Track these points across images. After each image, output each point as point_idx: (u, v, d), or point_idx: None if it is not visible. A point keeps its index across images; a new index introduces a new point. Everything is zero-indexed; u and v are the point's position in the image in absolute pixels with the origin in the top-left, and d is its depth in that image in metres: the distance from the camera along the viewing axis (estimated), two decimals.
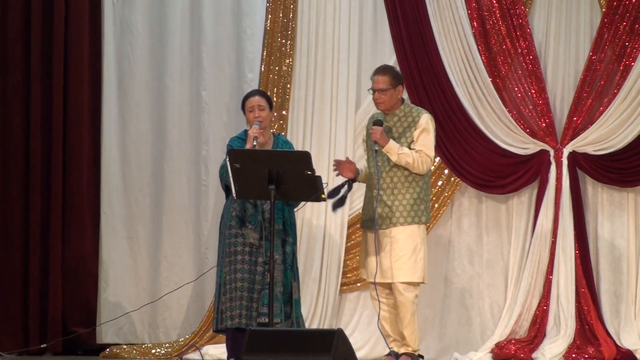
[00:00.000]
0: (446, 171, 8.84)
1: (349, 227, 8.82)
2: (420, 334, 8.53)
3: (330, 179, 8.67)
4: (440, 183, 8.84)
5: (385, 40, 8.93)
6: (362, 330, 8.78)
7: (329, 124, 8.88)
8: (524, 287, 8.65)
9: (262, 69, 8.91)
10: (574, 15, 8.77)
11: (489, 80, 8.72)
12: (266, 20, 8.93)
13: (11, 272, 8.91)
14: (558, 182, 8.68)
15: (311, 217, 8.79)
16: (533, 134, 8.73)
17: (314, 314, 8.72)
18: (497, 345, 8.52)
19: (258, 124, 7.39)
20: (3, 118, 8.98)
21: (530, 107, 8.73)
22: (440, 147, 8.70)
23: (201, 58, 9.08)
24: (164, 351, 8.80)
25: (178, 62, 9.12)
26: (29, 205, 8.92)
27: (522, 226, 8.80)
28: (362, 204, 7.88)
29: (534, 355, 8.44)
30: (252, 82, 8.97)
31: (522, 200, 8.84)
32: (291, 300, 7.38)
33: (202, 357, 8.44)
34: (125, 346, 8.90)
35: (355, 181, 7.69)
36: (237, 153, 7.14)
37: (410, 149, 7.57)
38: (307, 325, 8.37)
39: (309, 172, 7.04)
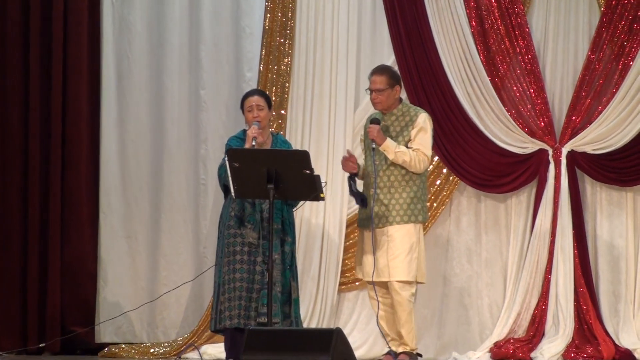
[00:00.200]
0: (445, 170, 8.84)
1: (347, 227, 8.82)
2: (419, 334, 8.54)
3: (329, 178, 8.69)
4: (438, 182, 8.85)
5: (384, 39, 8.93)
6: (360, 329, 8.78)
7: (328, 123, 8.88)
8: (522, 287, 8.65)
9: (261, 68, 8.90)
10: (572, 14, 8.77)
11: (487, 79, 8.72)
12: (265, 20, 8.92)
13: (10, 271, 8.90)
14: (557, 181, 8.68)
15: (310, 216, 8.79)
16: (532, 133, 8.73)
17: (313, 313, 8.72)
18: (496, 344, 8.52)
19: (257, 124, 7.39)
20: (2, 117, 8.97)
21: (529, 106, 8.73)
22: (439, 146, 8.70)
23: (200, 57, 9.08)
24: (162, 350, 8.80)
25: (177, 61, 9.11)
26: (27, 204, 8.92)
27: (520, 225, 8.80)
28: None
29: (532, 354, 8.44)
30: (251, 81, 8.96)
31: (520, 200, 8.84)
32: (290, 300, 7.38)
33: (200, 356, 8.44)
34: (123, 345, 8.90)
35: (358, 175, 7.71)
36: (236, 152, 7.14)
37: (407, 147, 7.58)
38: (305, 325, 8.38)
39: (308, 172, 7.04)
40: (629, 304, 8.66)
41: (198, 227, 9.06)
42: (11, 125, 8.95)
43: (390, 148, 7.53)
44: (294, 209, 7.57)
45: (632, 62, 8.59)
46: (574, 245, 8.65)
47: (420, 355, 7.71)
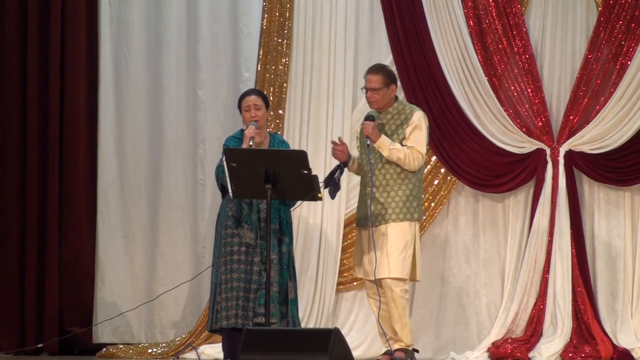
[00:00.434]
0: (442, 170, 8.84)
1: (345, 226, 8.82)
2: (417, 333, 8.54)
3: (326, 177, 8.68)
4: (436, 182, 8.84)
5: (381, 39, 8.93)
6: (358, 329, 8.78)
7: (326, 123, 8.88)
8: (520, 286, 8.65)
9: (259, 68, 8.90)
10: (570, 14, 8.77)
11: (485, 79, 8.72)
12: (263, 20, 8.92)
13: (8, 272, 8.90)
14: (554, 181, 8.68)
15: (307, 216, 8.79)
16: (529, 133, 8.73)
17: (311, 313, 8.72)
18: (494, 344, 8.52)
19: (254, 123, 7.39)
20: (0, 117, 8.96)
21: (527, 106, 8.73)
22: (437, 145, 8.70)
23: (198, 57, 9.08)
24: (160, 351, 8.80)
25: (174, 61, 9.11)
26: (25, 204, 8.92)
27: (518, 225, 8.81)
28: (357, 203, 7.88)
29: (530, 354, 8.44)
30: (249, 81, 8.96)
31: (518, 200, 8.84)
32: (287, 300, 7.37)
33: (198, 356, 8.43)
34: (121, 346, 8.89)
35: (347, 165, 7.67)
36: (234, 152, 7.13)
37: (402, 145, 7.57)
38: (303, 325, 8.38)
39: (306, 172, 7.03)
40: (627, 303, 8.66)
41: (196, 227, 9.05)
42: (9, 125, 8.95)
43: (385, 145, 7.53)
44: (291, 209, 7.57)
45: (630, 61, 8.59)
46: (571, 245, 8.65)
47: (417, 351, 7.70)
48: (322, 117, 8.88)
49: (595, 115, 8.66)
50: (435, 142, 8.68)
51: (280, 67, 8.90)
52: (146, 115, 9.13)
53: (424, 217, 8.38)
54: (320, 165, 8.70)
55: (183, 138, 9.10)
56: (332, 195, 7.67)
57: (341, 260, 8.83)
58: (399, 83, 8.62)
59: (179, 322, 9.01)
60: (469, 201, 8.91)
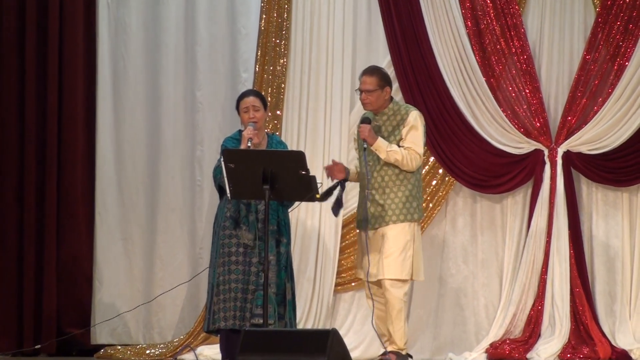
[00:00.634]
0: (440, 171, 8.84)
1: (343, 227, 8.82)
2: (415, 334, 8.55)
3: (324, 179, 8.67)
4: (434, 182, 8.84)
5: (379, 40, 8.93)
6: (356, 330, 8.78)
7: (323, 124, 8.88)
8: (518, 287, 8.65)
9: (257, 69, 8.90)
10: (568, 15, 8.77)
11: (483, 80, 8.72)
12: (261, 20, 8.92)
13: (6, 273, 8.89)
14: (552, 181, 8.68)
15: (305, 217, 8.79)
16: (527, 134, 8.73)
17: (309, 314, 8.71)
18: (492, 345, 8.52)
19: (253, 125, 7.39)
20: None
21: (525, 106, 8.73)
22: (435, 146, 8.70)
23: (195, 58, 9.08)
24: (158, 352, 8.79)
25: (172, 62, 9.11)
26: (23, 205, 8.91)
27: (516, 226, 8.81)
28: (356, 204, 7.88)
29: (528, 355, 8.44)
30: (247, 82, 8.96)
31: (516, 200, 8.84)
32: (285, 302, 7.37)
33: (196, 357, 8.43)
34: (119, 347, 8.89)
35: (347, 181, 7.70)
36: (231, 153, 7.13)
37: (399, 146, 7.57)
38: (301, 326, 8.37)
39: (303, 172, 7.03)
40: (625, 304, 8.66)
41: (194, 229, 9.05)
42: (7, 127, 8.94)
43: (382, 147, 7.53)
44: (289, 210, 7.57)
45: (628, 62, 8.59)
46: (569, 246, 8.65)
47: (411, 356, 7.69)
48: (320, 118, 8.88)
49: (593, 116, 8.66)
50: (433, 142, 8.68)
51: (279, 68, 8.90)
52: (144, 116, 9.13)
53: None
54: (318, 166, 8.69)
55: (181, 139, 9.09)
56: (336, 213, 7.69)
57: (339, 261, 8.83)
58: (396, 84, 8.64)
59: (177, 323, 9.00)
60: (467, 202, 8.91)
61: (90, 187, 9.08)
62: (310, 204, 8.46)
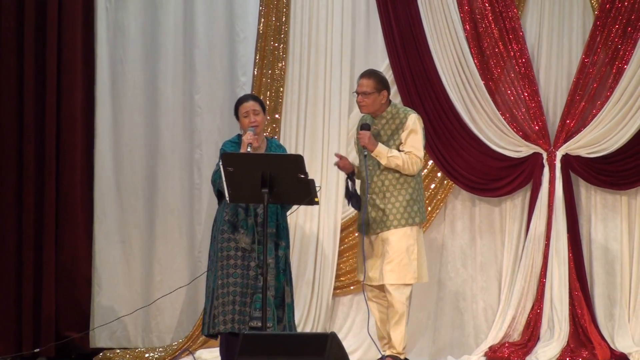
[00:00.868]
0: (439, 174, 8.84)
1: (341, 231, 8.82)
2: (414, 337, 8.54)
3: (323, 183, 8.68)
4: (433, 186, 8.85)
5: (378, 43, 8.93)
6: (355, 333, 8.78)
7: (322, 128, 8.88)
8: (517, 291, 8.65)
9: (255, 73, 8.90)
10: (566, 18, 8.77)
11: (481, 83, 8.72)
12: (259, 24, 8.92)
13: (4, 277, 8.88)
14: (551, 185, 8.68)
15: (304, 221, 8.79)
16: (526, 137, 8.73)
17: (307, 317, 8.71)
18: (491, 348, 8.52)
19: (252, 129, 7.39)
20: None
21: (523, 110, 8.74)
22: (433, 149, 8.70)
23: (194, 62, 9.08)
24: (157, 355, 8.79)
25: (171, 66, 9.11)
26: (22, 209, 8.90)
27: (515, 229, 8.81)
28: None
29: (527, 358, 8.44)
30: (245, 85, 8.96)
31: (515, 204, 8.84)
32: (283, 305, 7.37)
33: None
34: (118, 350, 8.89)
35: (355, 174, 7.72)
36: (230, 156, 7.13)
37: (399, 150, 7.58)
38: (300, 329, 8.37)
39: (302, 176, 7.03)
40: (624, 307, 8.66)
41: (193, 232, 9.05)
42: (6, 129, 8.93)
43: (383, 153, 7.54)
44: (287, 213, 7.57)
45: (626, 65, 8.59)
46: (568, 249, 8.65)
47: None
48: (319, 122, 8.88)
49: (591, 119, 8.66)
50: (432, 146, 8.68)
51: (277, 72, 8.90)
52: (143, 120, 9.13)
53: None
54: (317, 170, 8.71)
55: (179, 142, 9.09)
56: (356, 206, 7.69)
57: (338, 264, 8.83)
58: (395, 88, 8.65)
59: (176, 327, 9.00)
60: (466, 205, 8.91)
61: (89, 189, 9.08)
62: (309, 207, 8.46)
